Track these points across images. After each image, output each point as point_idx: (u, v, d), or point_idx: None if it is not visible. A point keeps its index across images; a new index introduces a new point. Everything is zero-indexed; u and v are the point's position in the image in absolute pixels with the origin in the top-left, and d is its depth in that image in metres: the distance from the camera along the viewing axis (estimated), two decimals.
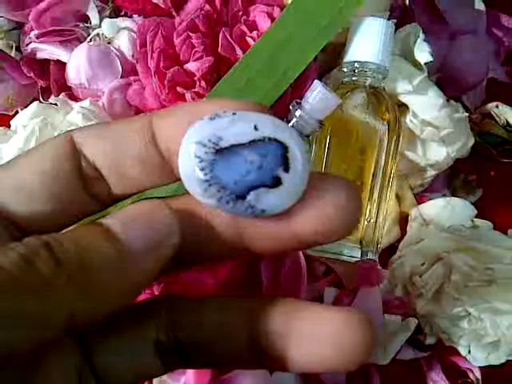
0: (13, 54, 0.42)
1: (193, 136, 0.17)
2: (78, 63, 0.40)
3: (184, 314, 0.20)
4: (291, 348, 0.18)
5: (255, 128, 0.17)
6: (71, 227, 0.18)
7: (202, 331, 0.19)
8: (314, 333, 0.18)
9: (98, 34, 0.41)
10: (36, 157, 0.19)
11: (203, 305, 0.20)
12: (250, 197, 0.17)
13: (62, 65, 0.41)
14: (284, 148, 0.17)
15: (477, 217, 0.41)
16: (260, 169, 0.17)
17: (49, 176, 0.18)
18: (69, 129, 0.34)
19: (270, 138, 0.17)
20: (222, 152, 0.17)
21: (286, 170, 0.17)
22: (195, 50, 0.37)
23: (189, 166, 0.17)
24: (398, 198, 0.43)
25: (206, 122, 0.17)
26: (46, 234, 0.16)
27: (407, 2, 0.42)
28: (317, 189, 0.18)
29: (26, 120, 0.37)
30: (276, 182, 0.17)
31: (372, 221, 0.39)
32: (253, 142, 0.17)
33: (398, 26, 0.40)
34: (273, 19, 0.37)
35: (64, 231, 0.17)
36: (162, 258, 0.17)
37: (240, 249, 0.19)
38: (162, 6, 0.39)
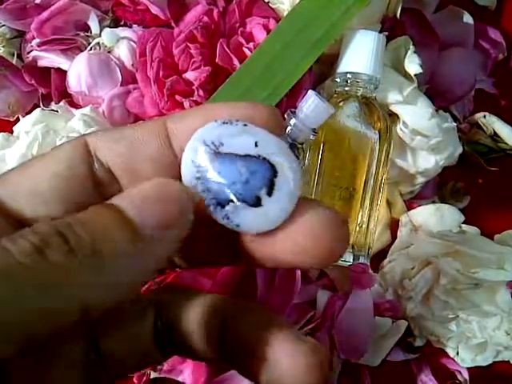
0: (14, 61, 0.43)
1: (200, 134, 0.18)
2: (78, 71, 0.41)
3: (175, 301, 0.20)
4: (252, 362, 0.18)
5: (255, 144, 0.18)
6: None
7: (189, 326, 0.20)
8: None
9: (98, 43, 0.42)
10: (50, 160, 0.19)
11: (192, 300, 0.20)
12: (229, 208, 0.17)
13: (62, 73, 0.42)
14: (274, 172, 0.17)
15: (465, 223, 0.43)
16: (246, 184, 0.17)
17: (63, 179, 0.18)
18: (70, 135, 0.35)
19: (264, 158, 0.17)
20: (221, 156, 0.17)
21: (269, 194, 0.17)
22: (193, 59, 0.38)
23: (186, 161, 0.18)
24: (389, 204, 0.44)
25: (217, 124, 0.18)
26: (57, 220, 0.15)
27: (398, 15, 0.43)
28: (296, 215, 0.18)
29: (29, 126, 0.38)
30: (256, 202, 0.17)
31: (364, 226, 0.40)
32: (248, 156, 0.18)
33: (389, 39, 0.41)
34: (269, 31, 0.39)
35: (76, 215, 0.16)
36: (177, 238, 0.17)
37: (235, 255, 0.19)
38: (162, 17, 0.40)
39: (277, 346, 0.18)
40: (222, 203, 0.17)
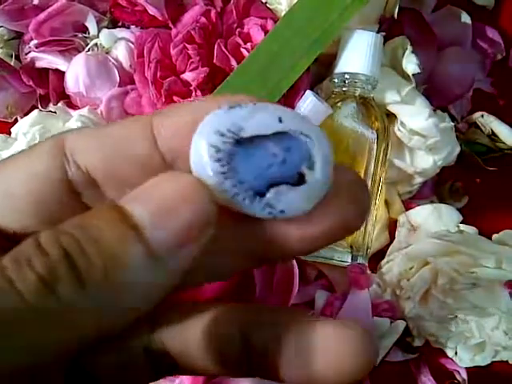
0: (12, 62, 0.43)
1: (210, 125, 0.16)
2: (76, 72, 0.41)
3: (171, 327, 0.18)
4: (282, 359, 0.17)
5: (280, 120, 0.16)
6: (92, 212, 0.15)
7: (189, 345, 0.18)
8: (305, 346, 0.16)
9: (96, 44, 0.42)
10: (23, 161, 0.17)
11: (191, 316, 0.18)
12: (270, 194, 0.15)
13: (60, 74, 0.42)
14: (308, 143, 0.16)
15: (463, 222, 0.43)
16: (283, 164, 0.15)
17: (35, 184, 0.17)
18: None
19: (295, 132, 0.16)
20: (243, 143, 0.15)
21: (311, 167, 0.16)
22: (191, 60, 0.38)
23: (203, 157, 0.15)
24: (387, 204, 0.44)
25: (224, 111, 0.16)
26: (65, 230, 0.14)
27: (396, 15, 0.43)
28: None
29: (27, 127, 0.38)
30: (299, 180, 0.16)
31: (362, 226, 0.40)
32: (277, 134, 0.16)
33: (386, 39, 0.41)
34: (266, 31, 0.39)
35: (84, 219, 0.14)
36: (196, 253, 0.15)
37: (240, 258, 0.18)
38: (159, 18, 0.40)
39: (318, 334, 0.16)
40: (262, 191, 0.15)
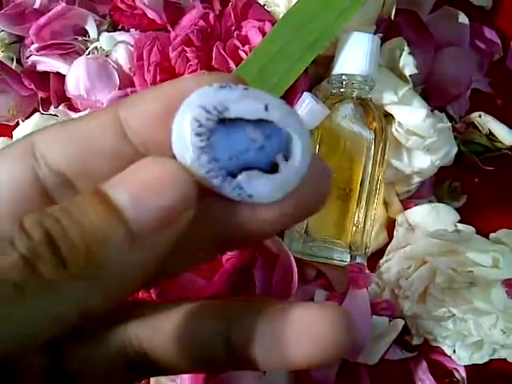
0: (14, 66, 0.44)
1: (196, 100, 0.16)
2: (77, 75, 0.41)
3: (148, 324, 0.18)
4: (261, 350, 0.17)
5: (266, 108, 0.16)
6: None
7: (166, 343, 0.18)
8: (279, 332, 0.17)
9: (96, 48, 0.42)
10: None
11: (166, 314, 0.18)
12: (242, 177, 0.16)
13: (61, 77, 0.42)
14: (289, 135, 0.16)
15: (461, 222, 0.43)
16: (260, 150, 0.16)
17: (5, 188, 0.17)
18: None
19: (278, 122, 0.16)
20: (225, 122, 0.16)
21: (286, 158, 0.16)
22: (190, 63, 0.39)
23: (184, 130, 0.16)
24: (386, 204, 0.44)
25: (214, 89, 0.16)
26: (49, 213, 0.14)
27: (393, 16, 0.43)
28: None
29: (28, 131, 0.38)
30: (273, 169, 0.16)
31: (360, 226, 0.40)
32: (260, 121, 0.16)
33: (384, 40, 0.42)
34: (264, 34, 0.39)
35: (68, 208, 0.14)
36: (175, 235, 0.15)
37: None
38: (158, 21, 0.41)
39: (291, 318, 0.16)
40: (234, 172, 0.16)
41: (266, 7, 0.41)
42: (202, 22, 0.39)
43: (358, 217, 0.40)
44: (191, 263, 0.19)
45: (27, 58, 0.43)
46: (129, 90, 0.42)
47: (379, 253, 0.44)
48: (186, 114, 0.16)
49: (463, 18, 0.47)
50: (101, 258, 0.14)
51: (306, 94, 0.37)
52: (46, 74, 0.43)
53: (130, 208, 0.14)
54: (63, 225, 0.14)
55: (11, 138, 0.41)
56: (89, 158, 0.17)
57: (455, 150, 0.42)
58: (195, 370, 0.19)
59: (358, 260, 0.40)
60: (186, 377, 0.37)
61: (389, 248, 0.43)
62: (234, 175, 0.16)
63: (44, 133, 0.17)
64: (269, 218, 0.17)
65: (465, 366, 0.42)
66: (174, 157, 0.16)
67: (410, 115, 0.40)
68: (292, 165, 0.16)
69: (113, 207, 0.14)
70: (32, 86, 0.43)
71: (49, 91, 0.43)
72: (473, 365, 0.41)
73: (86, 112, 0.41)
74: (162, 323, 0.18)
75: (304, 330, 0.16)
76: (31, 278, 0.13)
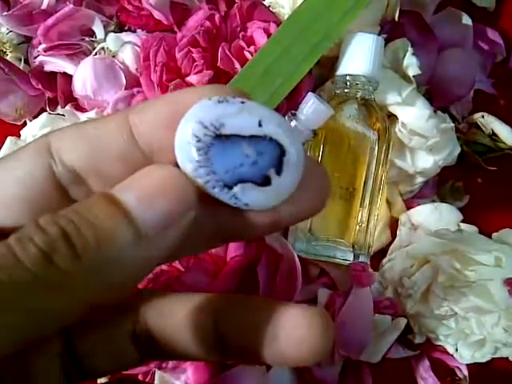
0: (21, 66, 0.44)
1: (196, 115, 0.17)
2: (84, 75, 0.42)
3: (154, 307, 0.20)
4: (253, 344, 0.19)
5: (259, 124, 0.17)
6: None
7: (170, 328, 0.20)
8: (272, 330, 0.18)
9: (103, 48, 0.43)
10: (11, 163, 0.18)
11: (173, 303, 0.20)
12: (237, 188, 0.17)
13: (68, 77, 0.43)
14: (282, 151, 0.17)
15: (464, 221, 0.43)
16: (253, 165, 0.17)
17: (25, 185, 0.18)
18: None
19: (271, 138, 0.17)
20: (221, 138, 0.17)
21: (278, 172, 0.17)
22: (196, 63, 0.39)
23: (185, 143, 0.17)
24: (389, 203, 0.44)
25: (212, 103, 0.17)
26: (63, 214, 0.15)
27: (397, 17, 0.43)
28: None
29: (36, 130, 0.39)
30: (265, 182, 0.17)
31: (363, 225, 0.41)
32: (253, 136, 0.17)
33: (388, 41, 0.42)
34: (269, 35, 0.39)
35: (80, 210, 0.16)
36: (179, 234, 0.16)
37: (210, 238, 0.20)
38: (165, 22, 0.41)
39: (283, 317, 0.18)
40: (230, 185, 0.17)
41: (270, 8, 0.41)
42: (207, 23, 0.39)
43: (362, 216, 0.41)
44: (195, 250, 0.22)
45: (35, 58, 0.44)
46: (135, 90, 0.42)
47: (382, 252, 0.44)
48: (186, 128, 0.17)
49: (466, 19, 0.47)
50: (110, 253, 0.15)
51: (310, 95, 0.37)
52: (54, 74, 0.43)
53: (136, 209, 0.16)
54: (76, 223, 0.15)
55: (19, 137, 0.41)
56: (99, 158, 0.18)
57: (458, 150, 0.43)
58: (194, 358, 0.20)
59: (361, 259, 0.41)
60: (191, 375, 0.38)
61: (392, 247, 0.44)
62: (230, 187, 0.17)
63: (60, 133, 0.19)
64: (265, 221, 0.18)
65: (467, 365, 0.42)
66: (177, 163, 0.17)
67: (414, 116, 0.40)
68: (284, 178, 0.17)
69: (121, 208, 0.16)
70: (39, 86, 0.43)
71: (56, 91, 0.43)
72: (475, 363, 0.41)
73: (93, 112, 0.41)
74: (167, 310, 0.20)
75: (294, 330, 0.18)
76: (49, 268, 0.15)
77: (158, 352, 0.20)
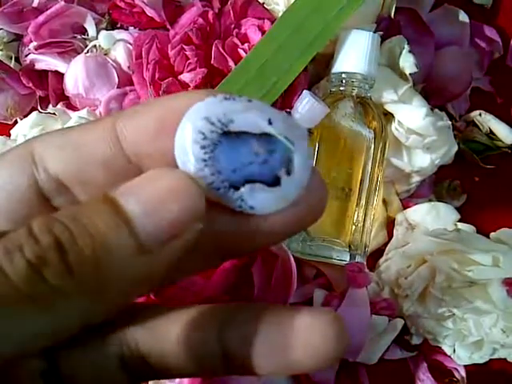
0: (12, 64, 0.43)
1: (201, 111, 0.16)
2: (75, 74, 0.41)
3: (145, 327, 0.18)
4: (259, 354, 0.17)
5: (269, 122, 0.16)
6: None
7: (165, 347, 0.18)
8: (279, 338, 0.17)
9: (95, 46, 0.42)
10: None
11: (166, 319, 0.18)
12: (245, 189, 0.16)
13: (59, 75, 0.42)
14: (291, 149, 0.17)
15: (461, 221, 0.43)
16: (263, 164, 0.16)
17: (3, 191, 0.17)
18: None
19: (281, 136, 0.16)
20: (230, 135, 0.16)
21: (289, 172, 0.17)
22: (189, 61, 0.39)
23: (188, 141, 0.16)
24: (385, 203, 0.44)
25: (218, 100, 0.16)
26: (59, 219, 0.14)
27: (393, 14, 0.43)
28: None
29: (26, 129, 0.38)
30: (275, 182, 0.16)
31: (359, 225, 0.40)
32: (264, 134, 0.16)
33: (384, 38, 0.41)
34: (263, 32, 0.39)
35: (77, 210, 0.14)
36: (183, 247, 0.15)
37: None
38: (157, 20, 0.41)
39: (295, 325, 0.17)
40: (237, 185, 0.16)
41: (265, 5, 0.41)
42: (201, 20, 0.39)
43: (358, 216, 0.40)
44: (192, 270, 0.20)
45: (26, 56, 0.43)
46: (128, 88, 0.41)
47: (379, 252, 0.44)
48: (190, 125, 0.16)
49: (463, 17, 0.47)
50: (108, 267, 0.14)
51: (305, 93, 0.36)
52: (45, 72, 0.43)
53: (140, 219, 0.14)
54: (72, 231, 0.14)
55: (9, 136, 0.41)
56: (84, 166, 0.17)
57: (455, 148, 0.42)
58: (192, 375, 0.19)
59: (358, 259, 0.40)
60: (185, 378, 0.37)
61: (388, 247, 0.43)
62: (236, 187, 0.16)
63: (43, 139, 0.18)
64: (268, 229, 0.17)
65: (465, 366, 0.42)
66: (176, 167, 0.16)
67: (410, 114, 0.40)
68: (293, 179, 0.17)
69: (123, 217, 0.14)
70: (30, 85, 0.42)
71: (47, 90, 0.43)
72: (473, 364, 0.41)
73: (85, 111, 0.41)
74: (161, 328, 0.18)
75: (298, 339, 0.17)
76: (38, 285, 0.13)
77: (151, 374, 0.18)
